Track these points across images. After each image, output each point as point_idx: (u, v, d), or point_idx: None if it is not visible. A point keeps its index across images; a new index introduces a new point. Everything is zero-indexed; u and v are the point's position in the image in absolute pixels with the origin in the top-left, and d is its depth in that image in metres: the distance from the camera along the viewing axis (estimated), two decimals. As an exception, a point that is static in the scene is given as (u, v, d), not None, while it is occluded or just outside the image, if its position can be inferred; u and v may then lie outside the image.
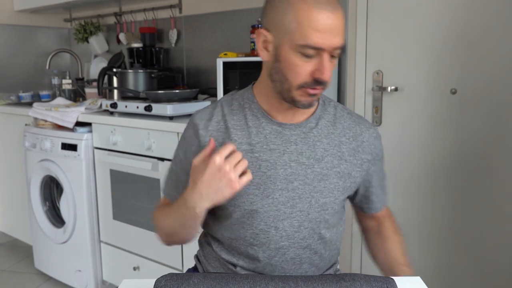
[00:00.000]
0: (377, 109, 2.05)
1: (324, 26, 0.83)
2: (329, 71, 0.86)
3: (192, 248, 1.20)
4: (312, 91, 0.89)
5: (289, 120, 0.96)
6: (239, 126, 0.97)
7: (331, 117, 1.00)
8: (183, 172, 1.02)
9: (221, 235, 1.01)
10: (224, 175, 0.85)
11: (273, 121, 0.96)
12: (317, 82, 0.87)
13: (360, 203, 1.11)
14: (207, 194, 0.87)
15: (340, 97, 2.12)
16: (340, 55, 2.08)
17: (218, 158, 0.85)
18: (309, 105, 0.92)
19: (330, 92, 2.05)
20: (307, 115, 0.98)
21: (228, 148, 0.87)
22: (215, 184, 0.86)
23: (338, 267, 1.17)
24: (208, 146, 0.91)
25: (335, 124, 0.99)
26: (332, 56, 0.88)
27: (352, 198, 1.11)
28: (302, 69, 0.86)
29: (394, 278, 0.81)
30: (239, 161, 0.87)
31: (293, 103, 0.91)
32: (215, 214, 1.01)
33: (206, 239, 1.09)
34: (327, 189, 0.96)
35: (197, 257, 1.13)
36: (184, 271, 1.24)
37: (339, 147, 0.98)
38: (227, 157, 0.86)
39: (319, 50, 0.84)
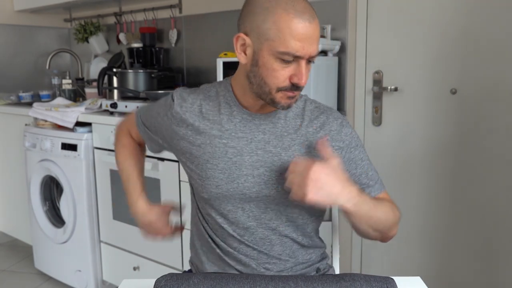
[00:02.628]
0: (377, 109, 2.05)
1: (303, 35, 0.88)
2: (306, 77, 0.92)
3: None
4: (291, 94, 0.94)
5: (259, 111, 1.01)
6: (212, 112, 1.02)
7: (300, 110, 1.04)
8: (151, 127, 1.13)
9: (201, 214, 1.10)
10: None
11: (244, 110, 1.01)
12: (294, 86, 0.92)
13: None
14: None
15: (340, 97, 2.12)
16: (340, 55, 2.08)
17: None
18: (288, 107, 0.97)
19: (330, 92, 2.05)
20: None
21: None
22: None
23: (328, 261, 1.16)
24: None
25: (303, 116, 1.03)
26: (308, 62, 0.93)
27: None
28: (281, 73, 0.91)
29: (394, 278, 0.81)
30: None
31: (273, 105, 0.96)
32: (196, 190, 1.09)
33: (193, 239, 1.17)
34: None
35: (190, 261, 1.20)
36: (185, 270, 1.25)
37: (306, 136, 1.01)
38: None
39: (297, 57, 0.90)
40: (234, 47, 0.96)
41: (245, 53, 0.95)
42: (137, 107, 1.21)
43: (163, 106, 1.09)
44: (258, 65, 0.93)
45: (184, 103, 1.04)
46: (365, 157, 1.06)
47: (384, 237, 1.03)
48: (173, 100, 1.05)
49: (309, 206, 1.00)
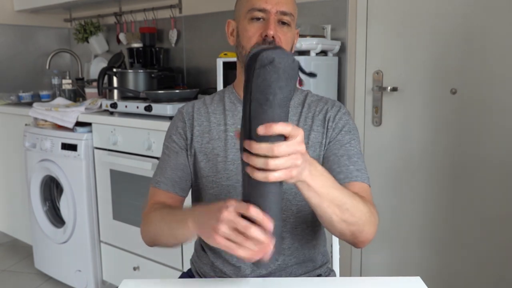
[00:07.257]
0: (377, 109, 2.05)
1: None
2: (274, 27, 0.97)
3: (192, 249, 1.21)
4: None
5: None
6: (217, 111, 1.10)
7: (300, 100, 1.09)
8: (171, 155, 1.09)
9: None
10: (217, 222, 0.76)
11: None
12: (266, 40, 0.96)
13: None
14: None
15: (340, 97, 2.12)
16: (340, 55, 2.08)
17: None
18: None
19: (330, 92, 2.05)
20: None
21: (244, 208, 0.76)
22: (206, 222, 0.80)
23: (329, 265, 1.16)
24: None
25: (303, 104, 1.08)
26: (282, 23, 0.99)
27: None
28: (252, 31, 0.99)
29: (394, 278, 0.81)
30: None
31: None
32: (200, 195, 1.10)
33: (199, 240, 1.16)
34: None
35: (191, 261, 1.19)
36: (184, 271, 1.25)
37: (305, 121, 1.06)
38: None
39: (264, 11, 0.97)
40: (226, 33, 1.09)
41: (233, 36, 1.07)
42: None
43: (172, 125, 1.12)
44: (239, 36, 1.03)
45: (191, 108, 1.12)
46: (355, 145, 1.04)
47: (357, 238, 0.89)
48: (180, 111, 1.12)
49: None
